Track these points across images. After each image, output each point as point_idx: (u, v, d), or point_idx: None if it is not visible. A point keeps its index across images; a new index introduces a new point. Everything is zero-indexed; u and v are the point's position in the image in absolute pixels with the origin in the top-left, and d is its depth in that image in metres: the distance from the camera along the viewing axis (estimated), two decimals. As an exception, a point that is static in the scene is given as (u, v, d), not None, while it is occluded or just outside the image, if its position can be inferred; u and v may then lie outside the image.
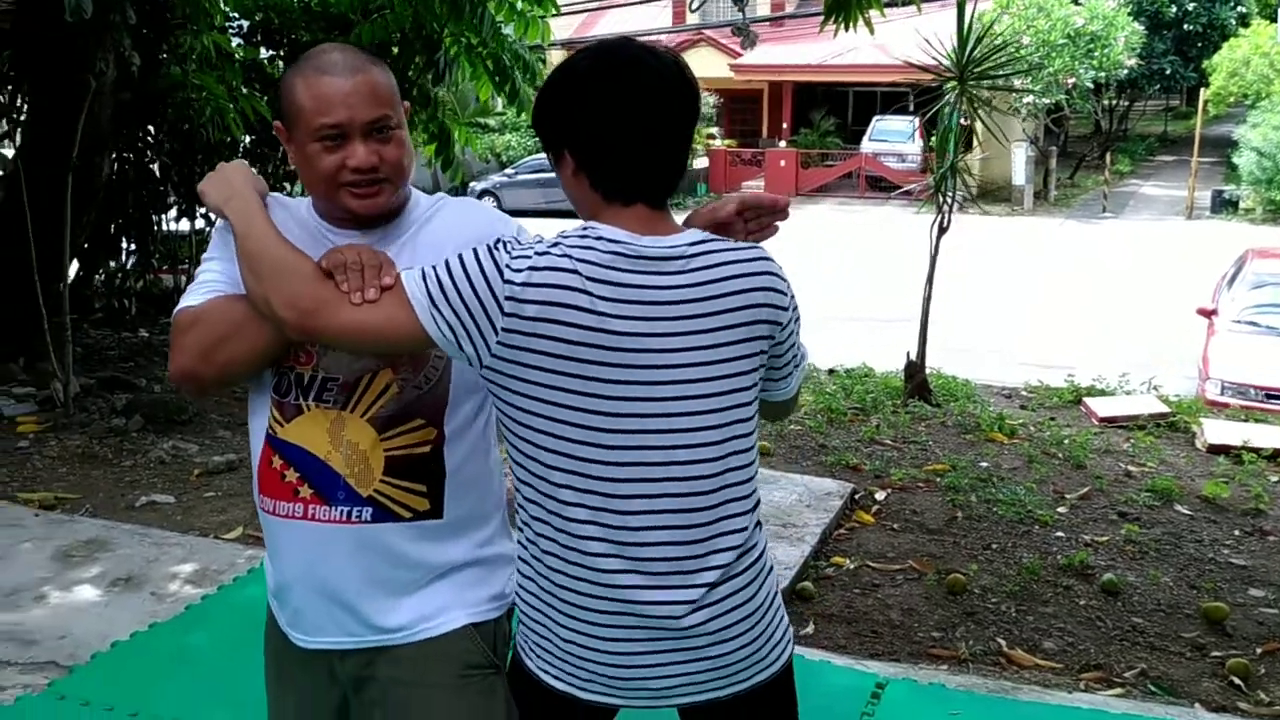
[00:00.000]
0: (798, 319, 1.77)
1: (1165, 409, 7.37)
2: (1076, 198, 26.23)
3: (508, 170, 25.57)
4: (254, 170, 1.87)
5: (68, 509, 4.97)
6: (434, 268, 1.63)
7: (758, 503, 1.73)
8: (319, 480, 1.75)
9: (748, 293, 1.66)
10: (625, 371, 1.59)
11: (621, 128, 1.62)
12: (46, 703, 3.35)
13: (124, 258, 8.98)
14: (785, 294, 1.72)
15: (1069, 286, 15.36)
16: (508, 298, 1.57)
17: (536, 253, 1.60)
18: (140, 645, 3.71)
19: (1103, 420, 7.16)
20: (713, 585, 1.65)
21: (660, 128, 1.65)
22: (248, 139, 9.08)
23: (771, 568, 1.77)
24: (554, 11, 7.44)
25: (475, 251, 1.62)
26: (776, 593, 1.77)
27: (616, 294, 1.59)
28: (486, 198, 25.15)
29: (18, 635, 3.75)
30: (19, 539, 4.55)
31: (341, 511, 1.74)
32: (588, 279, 1.58)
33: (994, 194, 24.78)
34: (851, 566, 4.58)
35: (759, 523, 1.74)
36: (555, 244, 1.62)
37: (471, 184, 25.02)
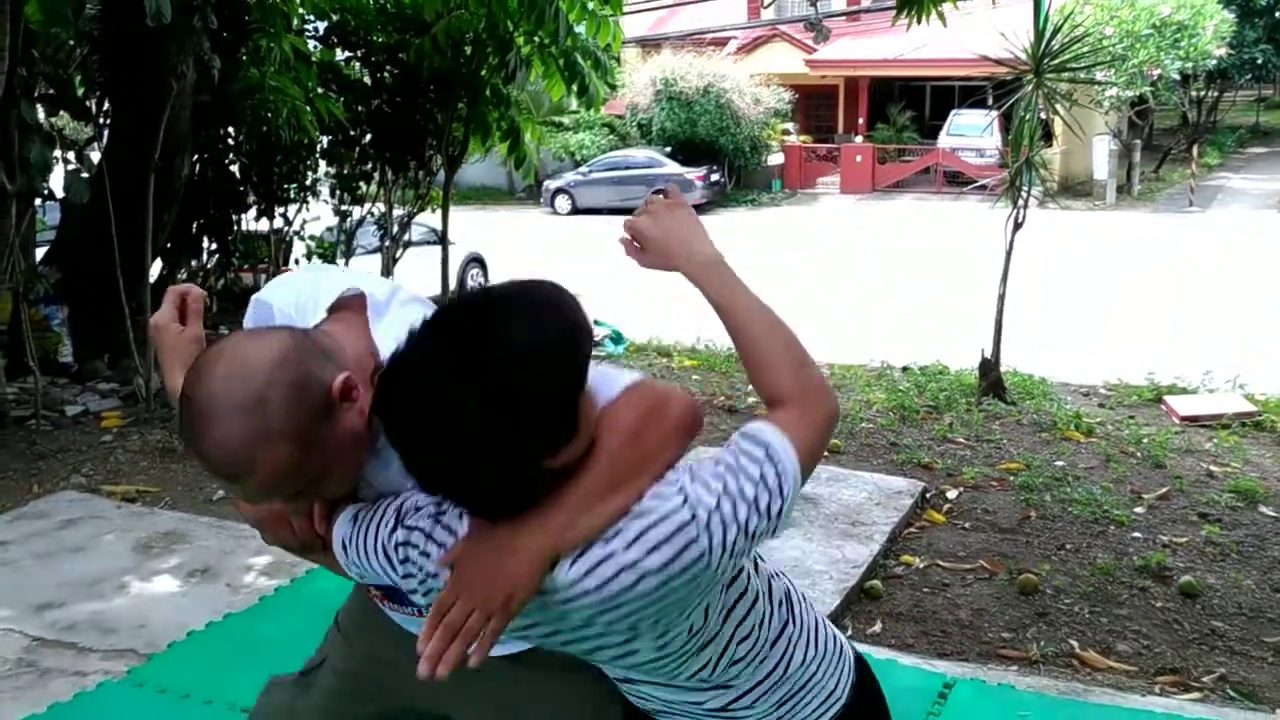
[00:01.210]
0: (761, 509, 1.41)
1: (1251, 408, 7.16)
2: (1161, 191, 25.57)
3: (581, 169, 25.69)
4: (176, 317, 1.71)
5: (148, 502, 5.11)
6: (345, 548, 1.57)
7: (779, 620, 1.63)
8: None
9: (652, 592, 1.40)
10: None
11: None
12: (125, 689, 3.45)
13: (205, 257, 9.18)
14: (705, 557, 1.38)
15: (1152, 282, 14.98)
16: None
17: (419, 581, 1.50)
18: (215, 635, 3.80)
19: (1184, 419, 6.98)
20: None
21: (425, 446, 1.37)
22: (325, 140, 9.25)
23: (807, 632, 1.68)
24: (619, 11, 7.48)
25: (384, 550, 1.52)
26: (818, 646, 1.68)
27: None
28: (561, 196, 25.32)
29: (99, 623, 3.86)
30: (102, 531, 4.69)
31: None
32: None
33: (1075, 189, 24.27)
34: (921, 565, 4.53)
35: (786, 624, 1.64)
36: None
37: (546, 183, 25.19)
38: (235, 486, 1.44)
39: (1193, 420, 6.96)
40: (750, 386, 7.55)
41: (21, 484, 5.29)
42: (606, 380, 1.48)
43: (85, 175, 6.58)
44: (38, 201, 6.61)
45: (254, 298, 1.73)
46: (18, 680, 3.49)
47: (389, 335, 1.51)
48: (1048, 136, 18.69)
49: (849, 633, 3.93)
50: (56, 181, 6.70)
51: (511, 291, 1.42)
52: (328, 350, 1.48)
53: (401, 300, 1.63)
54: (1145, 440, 6.30)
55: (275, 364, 1.39)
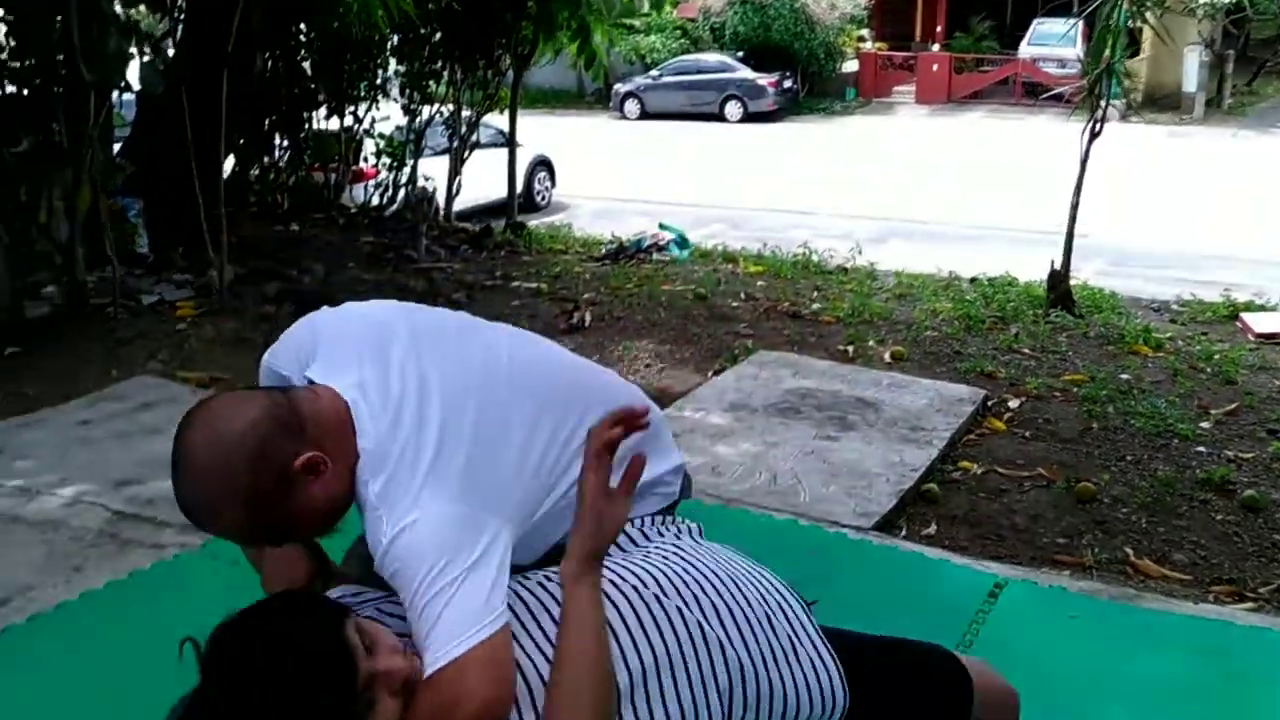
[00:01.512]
0: None
1: (1332, 326, 6.98)
2: (1254, 106, 24.64)
3: (652, 72, 25.37)
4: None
5: (221, 387, 5.25)
6: None
7: None
8: None
9: None
10: None
11: None
12: (201, 560, 3.58)
13: (276, 154, 9.28)
14: None
15: (1238, 200, 14.53)
16: None
17: None
18: (285, 514, 3.93)
19: (1260, 336, 6.83)
20: None
21: None
22: (395, 37, 9.23)
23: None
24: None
25: None
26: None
27: None
28: (630, 100, 25.06)
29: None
30: (177, 413, 4.77)
31: None
32: None
33: (1162, 101, 23.49)
34: (979, 471, 4.53)
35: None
36: None
37: (615, 86, 24.93)
38: (203, 530, 1.57)
39: (1269, 338, 6.81)
40: (816, 292, 7.53)
41: (101, 368, 5.47)
42: (451, 634, 1.44)
43: (161, 67, 6.65)
44: (114, 95, 6.70)
45: (264, 362, 1.81)
46: (101, 549, 3.65)
47: (372, 422, 1.57)
48: (1133, 45, 18.02)
49: (903, 533, 3.96)
50: (133, 74, 6.78)
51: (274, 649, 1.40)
52: (304, 419, 1.53)
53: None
54: (1217, 356, 6.18)
55: (244, 431, 1.49)
